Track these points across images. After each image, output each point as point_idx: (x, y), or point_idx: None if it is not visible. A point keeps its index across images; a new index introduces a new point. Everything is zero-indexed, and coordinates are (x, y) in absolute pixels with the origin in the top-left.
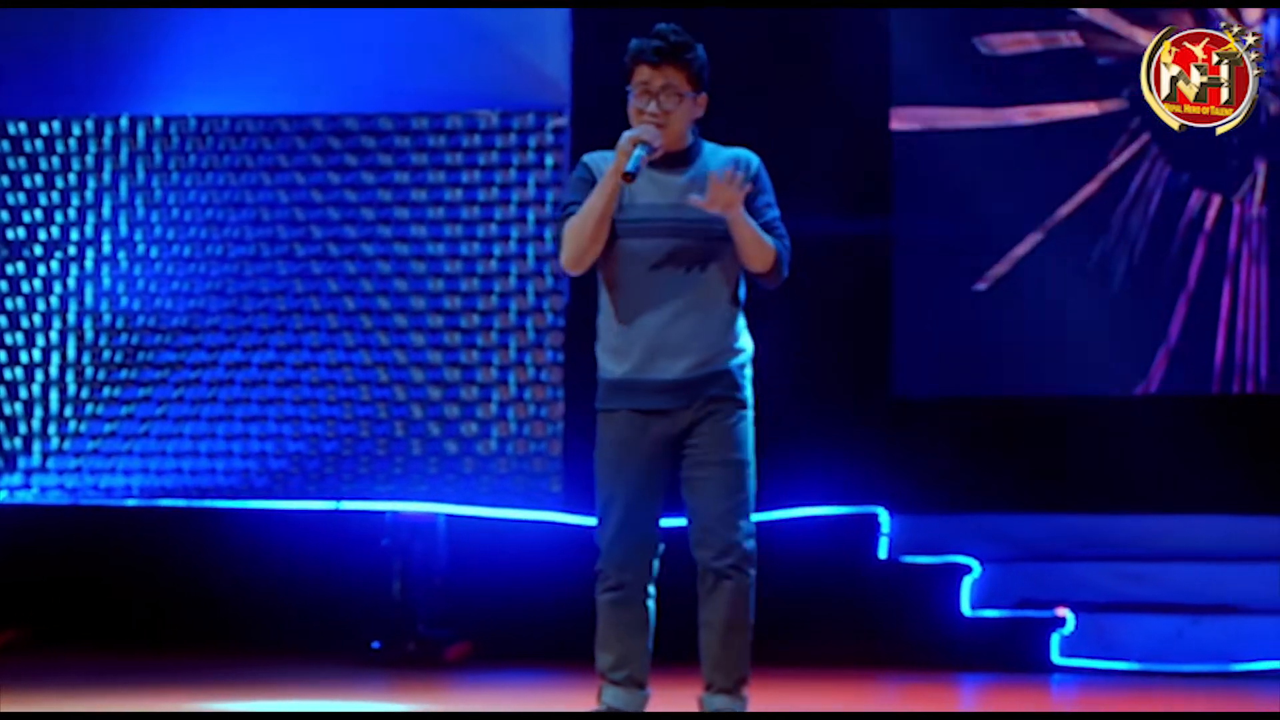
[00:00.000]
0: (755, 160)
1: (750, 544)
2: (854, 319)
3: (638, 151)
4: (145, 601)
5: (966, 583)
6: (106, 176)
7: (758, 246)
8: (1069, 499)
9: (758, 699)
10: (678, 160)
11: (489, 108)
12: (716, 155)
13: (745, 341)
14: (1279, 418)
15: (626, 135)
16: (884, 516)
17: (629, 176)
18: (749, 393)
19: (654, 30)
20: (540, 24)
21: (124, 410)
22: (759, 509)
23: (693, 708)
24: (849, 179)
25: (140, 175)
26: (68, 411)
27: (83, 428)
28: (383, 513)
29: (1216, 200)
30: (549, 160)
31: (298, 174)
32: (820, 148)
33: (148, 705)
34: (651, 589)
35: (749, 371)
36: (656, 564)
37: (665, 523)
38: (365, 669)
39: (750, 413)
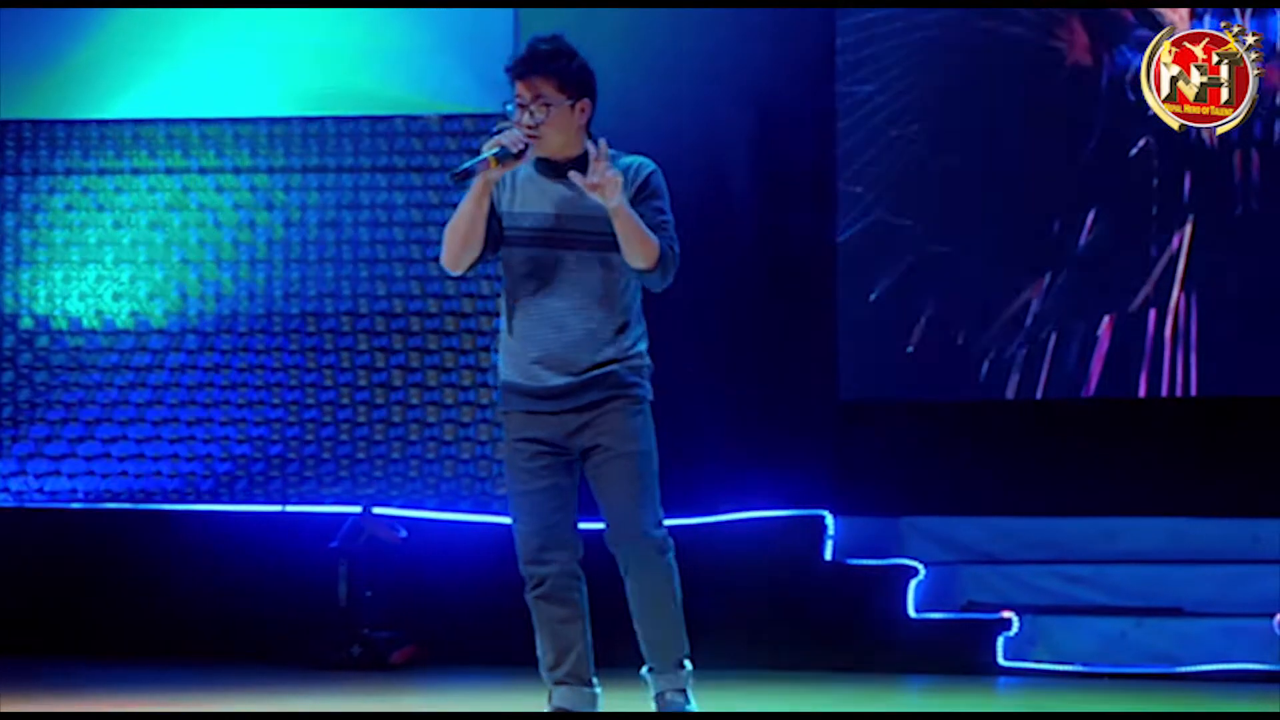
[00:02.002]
0: (648, 168)
1: (658, 531)
2: (799, 324)
3: (484, 154)
4: (90, 604)
5: (912, 585)
6: (52, 179)
7: (639, 241)
8: (1013, 502)
9: (701, 702)
10: (568, 169)
11: (434, 110)
12: (613, 164)
13: (639, 347)
14: (1221, 420)
15: (489, 139)
16: (829, 519)
17: (457, 175)
18: (644, 390)
19: (527, 41)
20: (484, 26)
21: (69, 412)
22: (706, 512)
23: (646, 707)
24: (792, 182)
25: (86, 177)
26: (12, 414)
27: (28, 430)
28: (328, 515)
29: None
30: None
31: (243, 176)
32: (761, 151)
33: (90, 707)
34: (580, 583)
35: (642, 370)
36: (578, 557)
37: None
38: (311, 672)
39: (646, 408)
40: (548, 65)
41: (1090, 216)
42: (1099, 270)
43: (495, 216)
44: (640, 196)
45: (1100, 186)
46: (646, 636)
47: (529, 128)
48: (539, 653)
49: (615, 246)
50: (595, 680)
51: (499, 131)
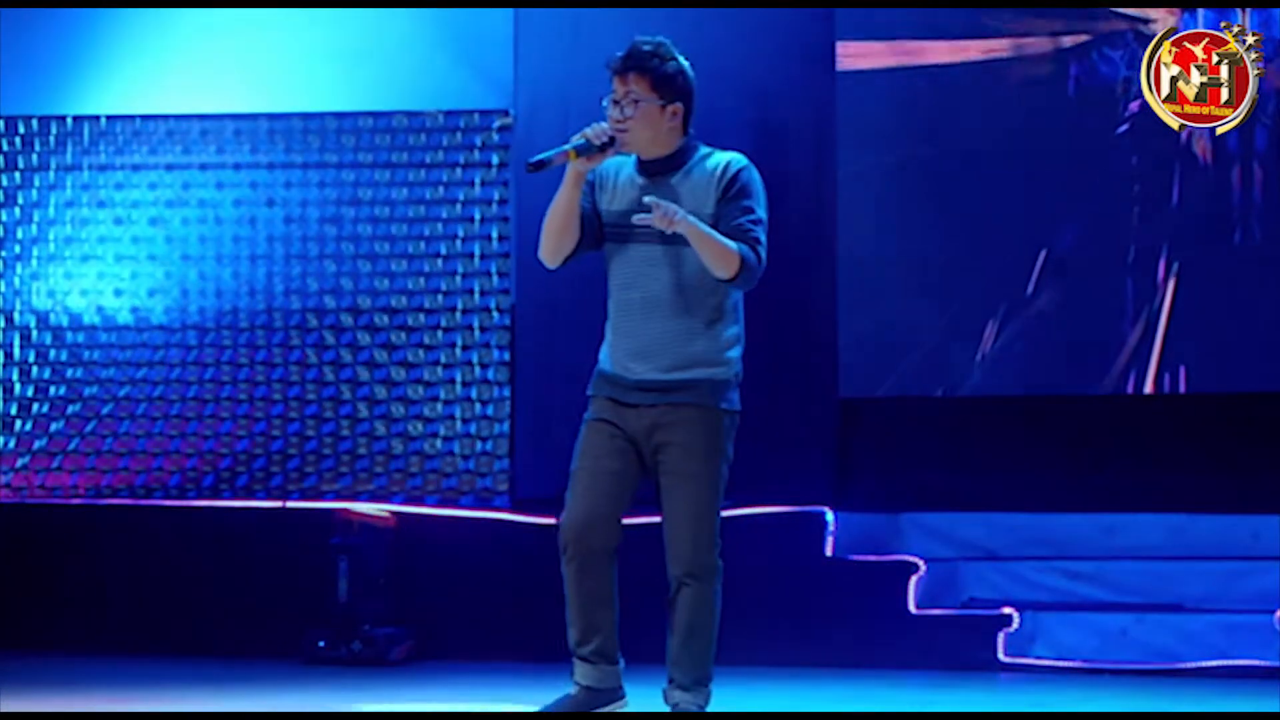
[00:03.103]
0: (738, 164)
1: (709, 555)
2: (799, 321)
3: (568, 144)
4: (90, 601)
5: (912, 582)
6: (51, 175)
7: (716, 253)
8: (1014, 498)
9: None
10: (660, 167)
11: (434, 107)
12: (705, 160)
13: (729, 353)
14: (1220, 417)
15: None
16: (830, 516)
17: (536, 165)
18: (724, 403)
19: (631, 41)
20: (485, 24)
21: (70, 408)
22: None
23: (646, 706)
24: (793, 180)
25: (85, 174)
26: (13, 410)
27: (28, 426)
28: (329, 511)
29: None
30: (494, 159)
31: (243, 173)
32: (762, 150)
33: (91, 706)
34: (613, 568)
35: (729, 380)
36: (616, 543)
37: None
38: (311, 669)
39: (722, 422)
40: (644, 64)
41: (1085, 216)
42: (1095, 272)
43: (597, 214)
44: (728, 195)
45: (1085, 187)
46: (676, 654)
47: (617, 122)
48: (568, 624)
49: None
50: (618, 657)
51: (500, 128)
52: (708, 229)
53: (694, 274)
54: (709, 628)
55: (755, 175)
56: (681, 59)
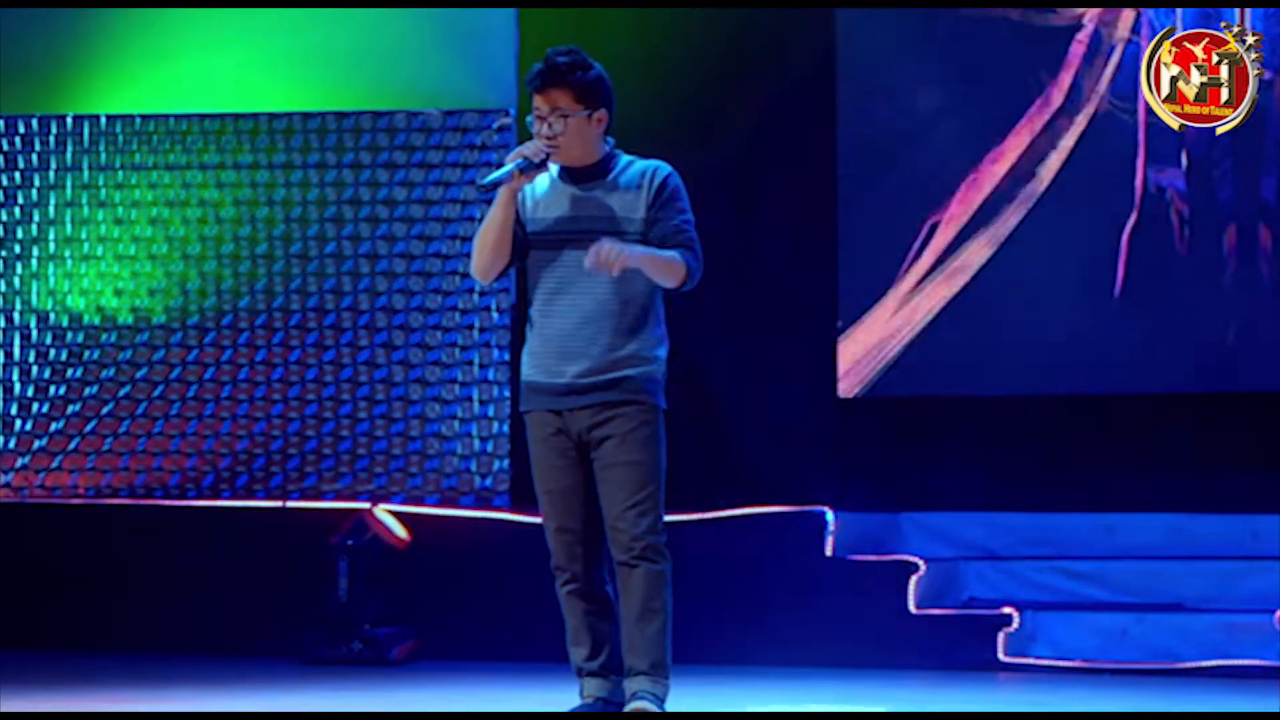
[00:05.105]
0: (664, 171)
1: (655, 538)
2: (798, 320)
3: (508, 166)
4: (90, 600)
5: (912, 581)
6: (51, 175)
7: (664, 271)
8: (1014, 498)
9: (702, 698)
10: (587, 175)
11: (434, 106)
12: (630, 168)
13: (656, 351)
14: (1220, 416)
15: (514, 150)
16: (829, 515)
17: (485, 188)
18: (656, 399)
19: (545, 55)
20: (486, 23)
21: (70, 408)
22: (707, 508)
23: (669, 707)
24: (793, 178)
25: (86, 174)
26: (14, 410)
27: (28, 426)
28: (329, 511)
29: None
30: (494, 159)
31: (243, 173)
32: (761, 147)
33: (90, 705)
34: (607, 577)
35: (658, 378)
36: (603, 549)
37: None
38: (311, 669)
39: (657, 417)
40: (565, 78)
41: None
42: (1092, 270)
43: (520, 224)
44: (660, 200)
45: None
46: (631, 638)
47: (548, 139)
48: (570, 643)
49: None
50: (623, 671)
51: (500, 128)
52: (648, 250)
53: (623, 280)
54: (665, 611)
55: (679, 180)
56: (598, 65)
